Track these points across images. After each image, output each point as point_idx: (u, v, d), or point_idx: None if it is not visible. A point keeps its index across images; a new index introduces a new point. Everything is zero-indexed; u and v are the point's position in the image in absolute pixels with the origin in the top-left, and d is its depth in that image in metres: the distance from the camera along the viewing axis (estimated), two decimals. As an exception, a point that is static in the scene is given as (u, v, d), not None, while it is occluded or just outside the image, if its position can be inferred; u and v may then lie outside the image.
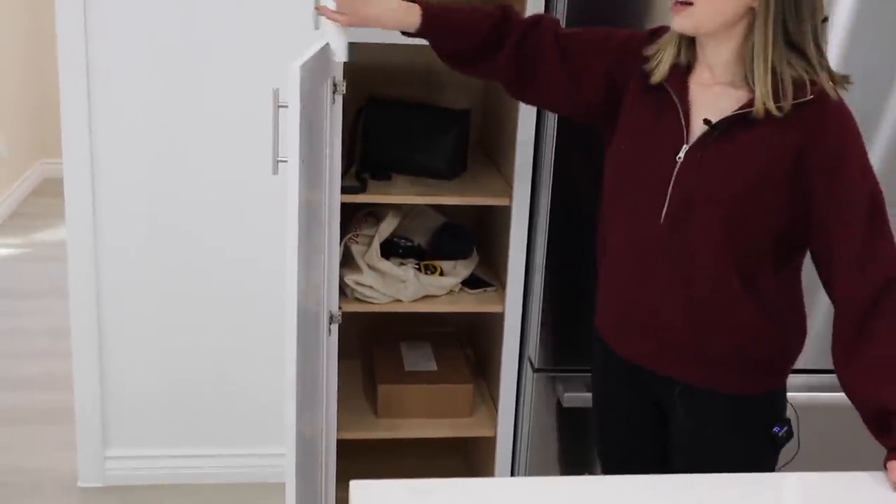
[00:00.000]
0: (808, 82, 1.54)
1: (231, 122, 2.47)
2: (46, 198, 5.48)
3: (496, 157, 2.67)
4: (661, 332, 1.72)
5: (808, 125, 1.54)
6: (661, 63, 1.66)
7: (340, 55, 1.91)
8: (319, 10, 1.83)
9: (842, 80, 1.59)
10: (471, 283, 2.56)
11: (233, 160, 2.49)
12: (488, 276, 2.62)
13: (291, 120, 1.57)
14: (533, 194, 2.36)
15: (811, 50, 1.53)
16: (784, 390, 1.78)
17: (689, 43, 1.65)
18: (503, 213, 2.47)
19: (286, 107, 1.58)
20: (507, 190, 2.41)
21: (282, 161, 1.61)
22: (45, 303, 4.08)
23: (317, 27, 1.87)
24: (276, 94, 1.63)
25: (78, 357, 2.68)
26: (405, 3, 1.80)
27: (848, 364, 1.55)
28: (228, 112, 2.46)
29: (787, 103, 1.53)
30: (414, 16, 1.79)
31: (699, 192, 1.61)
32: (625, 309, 1.78)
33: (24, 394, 3.39)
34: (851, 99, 1.61)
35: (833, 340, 1.59)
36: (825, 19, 1.56)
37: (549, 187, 2.26)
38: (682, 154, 1.62)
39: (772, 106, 1.53)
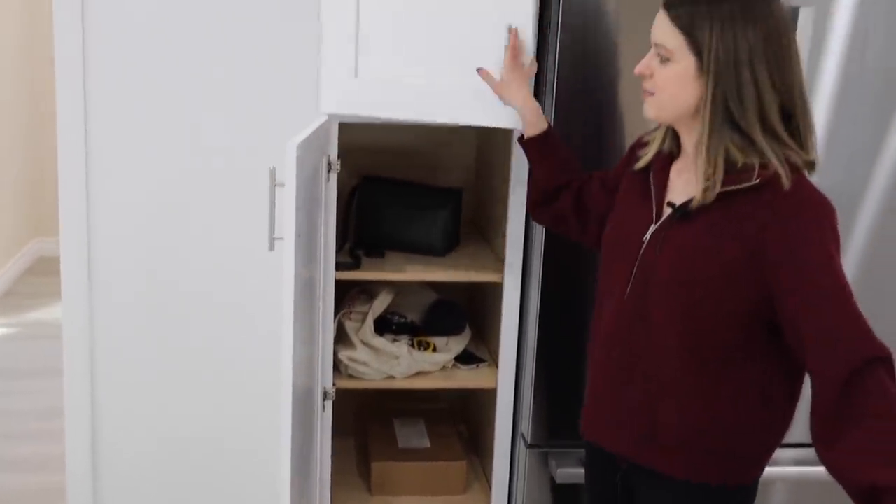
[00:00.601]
0: (756, 167, 1.55)
1: (230, 193, 2.49)
2: (40, 277, 5.49)
3: (488, 234, 2.70)
4: (622, 412, 1.72)
5: (762, 212, 1.55)
6: (649, 150, 1.73)
7: (507, 122, 2.09)
8: (481, 73, 2.05)
9: (805, 166, 1.58)
10: (463, 358, 2.57)
11: (230, 234, 2.51)
12: (481, 351, 2.63)
13: (288, 199, 1.60)
14: (525, 271, 2.38)
15: (758, 135, 1.54)
16: (753, 487, 1.73)
17: (674, 131, 1.71)
18: (495, 290, 2.49)
19: (282, 185, 1.61)
20: (499, 266, 2.44)
21: (278, 239, 1.64)
22: (38, 383, 4.06)
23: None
24: (272, 173, 1.66)
25: (70, 438, 2.66)
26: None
27: (832, 446, 1.48)
28: (227, 184, 2.49)
29: (713, 192, 1.56)
30: (544, 122, 2.01)
31: (657, 273, 1.63)
32: (593, 388, 1.80)
33: (16, 475, 3.36)
34: (834, 177, 1.61)
35: (811, 417, 1.52)
36: (791, 107, 1.56)
37: (540, 264, 2.28)
38: (647, 235, 1.66)
39: (709, 195, 1.56)
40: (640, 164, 1.74)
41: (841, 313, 1.49)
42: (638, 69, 1.64)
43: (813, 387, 1.53)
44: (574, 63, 2.16)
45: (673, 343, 1.63)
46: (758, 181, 1.54)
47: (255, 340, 2.54)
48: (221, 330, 2.55)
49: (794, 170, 1.56)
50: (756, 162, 1.55)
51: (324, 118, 2.09)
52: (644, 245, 1.66)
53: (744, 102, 1.53)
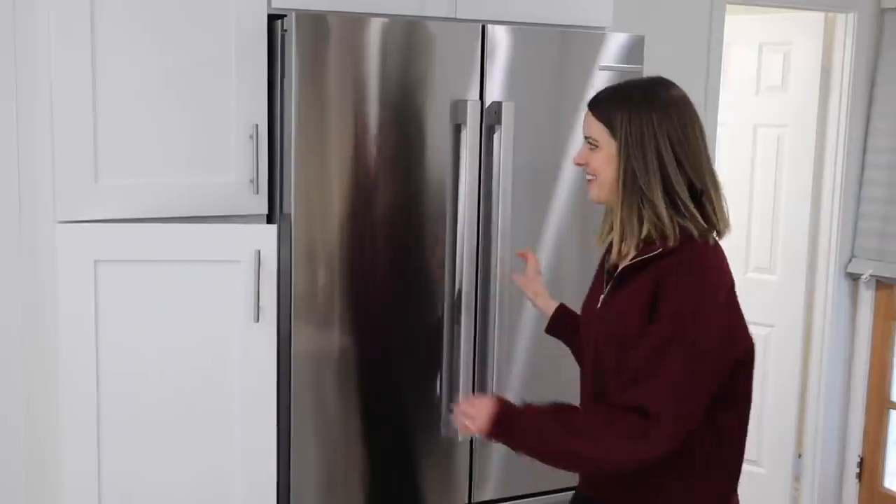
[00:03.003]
0: (658, 237, 1.72)
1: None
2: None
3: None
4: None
5: (657, 276, 1.71)
6: (604, 235, 1.89)
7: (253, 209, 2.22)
8: (520, 253, 2.26)
9: (701, 235, 1.72)
10: None
11: None
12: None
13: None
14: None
15: (662, 208, 1.72)
16: None
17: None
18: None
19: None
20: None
21: None
22: None
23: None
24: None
25: None
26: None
27: None
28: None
29: (625, 259, 1.78)
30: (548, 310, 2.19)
31: (601, 334, 1.83)
32: None
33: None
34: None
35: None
36: (702, 184, 1.74)
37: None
38: (599, 302, 1.86)
39: (622, 262, 1.79)
40: (602, 242, 1.89)
41: (653, 364, 1.67)
42: (575, 159, 1.87)
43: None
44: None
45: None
46: (660, 250, 1.71)
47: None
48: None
49: (687, 238, 1.71)
50: (655, 233, 1.72)
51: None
52: (597, 311, 1.86)
53: (649, 177, 1.72)
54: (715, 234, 1.76)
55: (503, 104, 2.29)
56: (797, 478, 4.12)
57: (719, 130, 4.05)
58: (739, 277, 3.88)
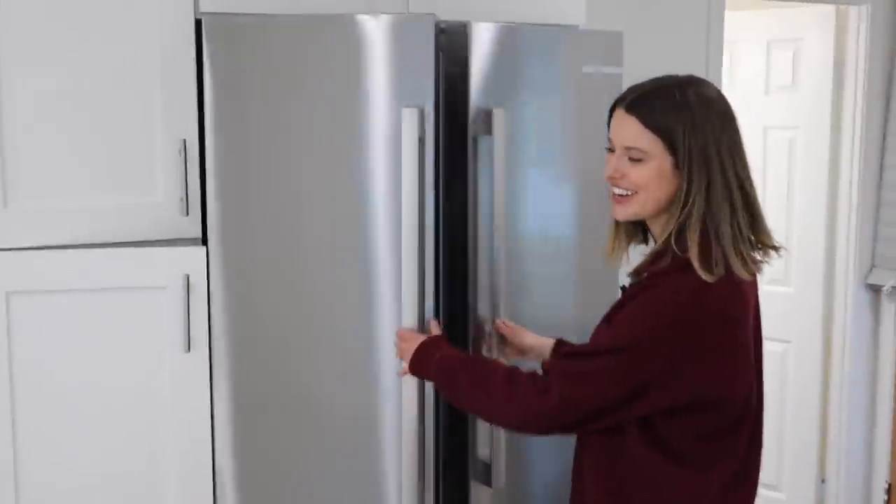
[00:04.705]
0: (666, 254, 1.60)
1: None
2: None
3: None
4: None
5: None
6: (616, 252, 1.78)
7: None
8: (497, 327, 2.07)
9: (702, 266, 1.56)
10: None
11: None
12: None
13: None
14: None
15: (725, 230, 1.57)
16: None
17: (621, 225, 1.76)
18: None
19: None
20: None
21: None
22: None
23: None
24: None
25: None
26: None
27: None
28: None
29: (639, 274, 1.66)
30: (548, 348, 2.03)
31: None
32: None
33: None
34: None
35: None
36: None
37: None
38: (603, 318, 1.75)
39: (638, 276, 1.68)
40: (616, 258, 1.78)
41: (578, 355, 1.67)
42: (608, 174, 1.65)
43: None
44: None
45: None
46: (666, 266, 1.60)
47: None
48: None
49: (684, 265, 1.56)
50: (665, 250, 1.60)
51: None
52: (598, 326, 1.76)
53: (715, 197, 1.56)
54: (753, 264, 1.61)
55: (493, 111, 2.06)
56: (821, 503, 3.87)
57: (727, 134, 3.84)
58: (752, 290, 3.75)
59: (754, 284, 1.68)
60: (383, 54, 2.03)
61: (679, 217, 1.58)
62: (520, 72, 2.17)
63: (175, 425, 2.06)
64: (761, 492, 3.93)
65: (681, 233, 1.57)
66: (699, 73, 3.18)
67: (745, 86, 3.90)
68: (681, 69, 1.74)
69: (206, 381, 2.04)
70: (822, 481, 3.85)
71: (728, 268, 1.55)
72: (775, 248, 1.64)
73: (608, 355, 1.59)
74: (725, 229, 1.55)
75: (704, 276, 1.54)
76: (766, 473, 3.86)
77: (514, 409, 1.67)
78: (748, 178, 1.61)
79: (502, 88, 2.13)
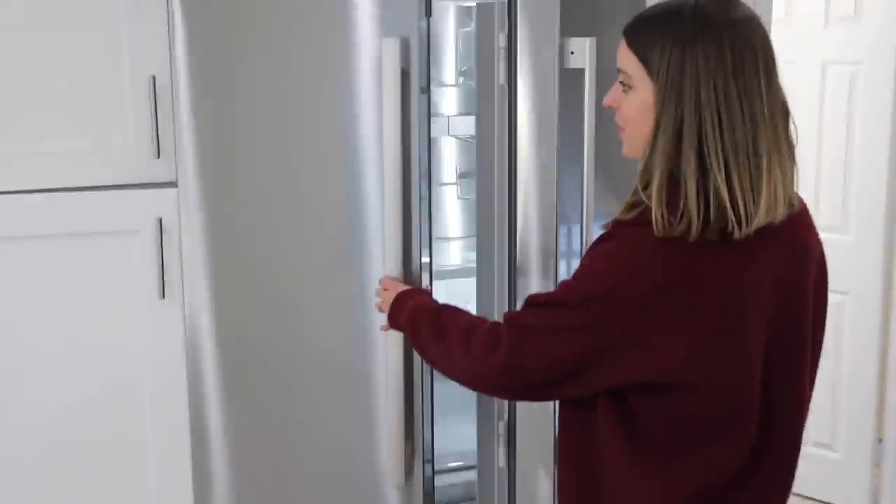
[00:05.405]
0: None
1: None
2: None
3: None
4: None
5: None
6: None
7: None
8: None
9: (659, 222, 1.34)
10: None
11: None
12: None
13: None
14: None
15: (690, 177, 1.34)
16: None
17: None
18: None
19: None
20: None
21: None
22: None
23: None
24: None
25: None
26: None
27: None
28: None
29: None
30: None
31: None
32: None
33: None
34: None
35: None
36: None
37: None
38: None
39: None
40: None
41: (534, 302, 1.49)
42: (606, 100, 1.48)
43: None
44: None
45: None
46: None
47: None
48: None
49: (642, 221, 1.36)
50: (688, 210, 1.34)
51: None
52: None
53: (682, 138, 1.33)
54: (738, 226, 1.33)
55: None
56: (878, 464, 3.65)
57: (783, 69, 3.58)
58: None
59: (801, 246, 1.45)
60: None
61: (645, 159, 1.38)
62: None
63: (151, 376, 1.99)
64: (815, 451, 3.78)
65: (650, 178, 1.37)
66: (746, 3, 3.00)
67: (802, 18, 3.61)
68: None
69: (181, 329, 1.97)
70: (880, 441, 3.63)
71: (707, 226, 1.32)
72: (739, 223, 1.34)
73: (556, 309, 1.42)
74: (691, 183, 1.32)
75: (656, 232, 1.33)
76: (819, 432, 3.73)
77: (467, 365, 1.53)
78: (746, 132, 1.33)
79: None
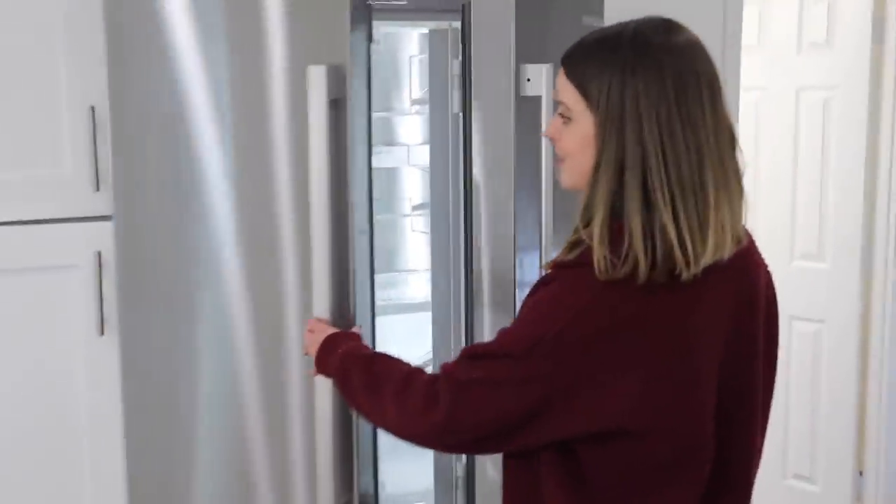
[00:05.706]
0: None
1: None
2: None
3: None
4: None
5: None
6: None
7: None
8: None
9: (600, 263, 1.28)
10: None
11: None
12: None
13: None
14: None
15: (634, 214, 1.29)
16: None
17: None
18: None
19: None
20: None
21: None
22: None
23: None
24: None
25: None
26: None
27: None
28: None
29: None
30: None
31: None
32: None
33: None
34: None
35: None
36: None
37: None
38: None
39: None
40: None
41: (473, 352, 1.40)
42: (546, 131, 1.46)
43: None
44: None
45: None
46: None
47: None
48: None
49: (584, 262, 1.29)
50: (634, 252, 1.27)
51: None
52: None
53: (625, 172, 1.27)
54: (685, 267, 1.26)
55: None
56: (859, 498, 3.58)
57: (756, 95, 3.56)
58: (783, 266, 3.47)
59: (749, 282, 1.39)
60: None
61: (586, 196, 1.31)
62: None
63: (88, 415, 1.91)
64: (794, 484, 3.72)
65: (591, 217, 1.30)
66: (715, 29, 2.96)
67: (775, 45, 3.59)
68: (693, 25, 1.43)
69: (117, 365, 1.89)
70: (860, 473, 3.56)
71: (653, 268, 1.26)
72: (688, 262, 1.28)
73: (499, 361, 1.33)
74: (636, 222, 1.26)
75: (598, 275, 1.26)
76: (798, 464, 3.67)
77: (405, 422, 1.42)
78: (692, 165, 1.27)
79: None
